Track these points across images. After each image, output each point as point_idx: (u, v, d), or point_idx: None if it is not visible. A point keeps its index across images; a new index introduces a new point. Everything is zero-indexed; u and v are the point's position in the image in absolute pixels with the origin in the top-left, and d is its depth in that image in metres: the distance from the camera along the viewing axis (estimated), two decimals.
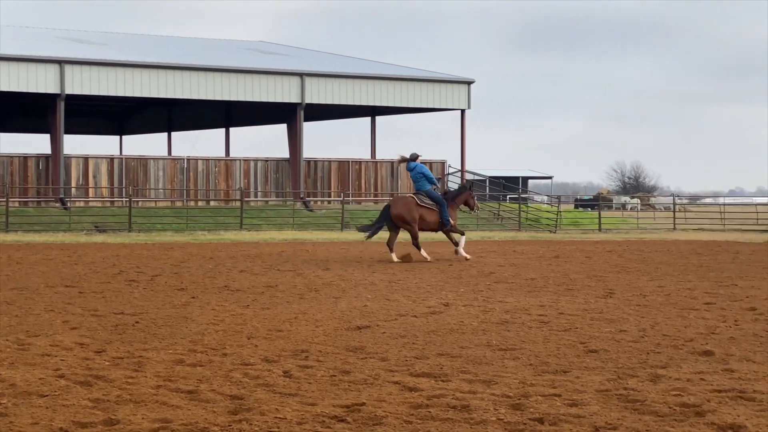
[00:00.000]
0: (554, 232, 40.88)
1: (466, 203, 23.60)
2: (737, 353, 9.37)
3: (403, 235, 23.41)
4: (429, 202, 22.69)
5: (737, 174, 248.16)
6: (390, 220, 22.53)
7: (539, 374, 8.40)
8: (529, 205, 51.44)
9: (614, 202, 77.97)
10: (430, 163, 47.11)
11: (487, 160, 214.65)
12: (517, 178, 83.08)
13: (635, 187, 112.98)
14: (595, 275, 18.33)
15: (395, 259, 21.81)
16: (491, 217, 45.43)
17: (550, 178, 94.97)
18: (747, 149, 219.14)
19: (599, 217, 44.30)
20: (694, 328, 11.13)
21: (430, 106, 47.17)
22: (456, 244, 22.93)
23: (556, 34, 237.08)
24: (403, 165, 33.21)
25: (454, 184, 47.95)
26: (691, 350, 9.56)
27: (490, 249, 27.42)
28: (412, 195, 23.14)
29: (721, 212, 49.07)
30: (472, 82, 47.33)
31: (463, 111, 47.14)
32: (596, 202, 60.69)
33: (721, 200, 65.71)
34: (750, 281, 17.10)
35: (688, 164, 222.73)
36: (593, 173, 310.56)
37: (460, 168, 47.30)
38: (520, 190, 57.16)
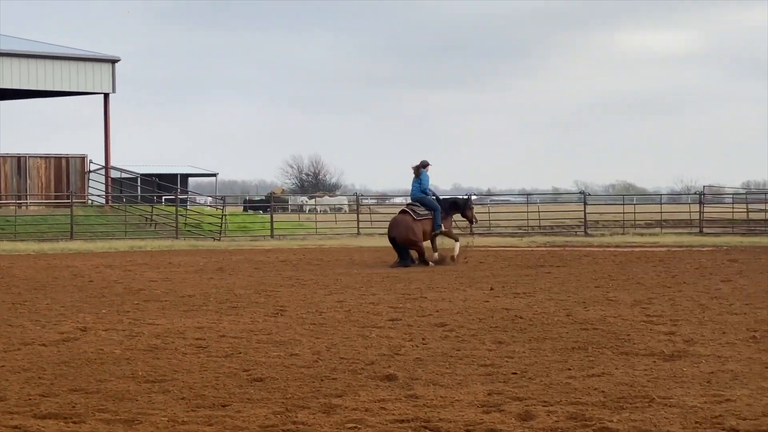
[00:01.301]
0: (219, 240, 41.01)
1: (464, 215, 27.35)
2: (423, 376, 9.72)
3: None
4: (424, 213, 25.67)
5: (433, 169, 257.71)
6: (400, 247, 25.52)
7: (193, 409, 8.39)
8: (189, 207, 51.33)
9: (290, 203, 79.26)
10: (67, 157, 46.14)
11: (139, 154, 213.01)
12: (175, 175, 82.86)
13: (314, 185, 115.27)
14: (265, 290, 18.53)
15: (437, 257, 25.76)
16: (143, 222, 45.02)
17: (214, 175, 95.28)
18: (445, 140, 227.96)
19: (271, 222, 44.87)
20: (376, 348, 11.45)
21: (66, 89, 46.15)
22: (436, 250, 26.04)
23: (221, 1, 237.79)
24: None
25: (98, 182, 47.16)
26: (372, 375, 9.83)
27: (140, 261, 27.18)
28: (405, 210, 26.09)
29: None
30: (118, 61, 46.71)
31: (106, 95, 46.40)
32: (268, 203, 61.40)
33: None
34: (440, 293, 17.80)
35: (377, 158, 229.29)
36: (266, 169, 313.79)
37: (104, 164, 46.56)
38: (179, 190, 56.99)
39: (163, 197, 55.45)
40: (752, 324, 13.32)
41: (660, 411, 8.15)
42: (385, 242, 38.00)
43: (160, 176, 66.12)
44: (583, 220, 45.99)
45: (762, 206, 50.06)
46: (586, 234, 43.53)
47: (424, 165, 26.47)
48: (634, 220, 47.83)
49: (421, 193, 26.22)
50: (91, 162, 46.96)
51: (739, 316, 14.21)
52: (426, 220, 25.83)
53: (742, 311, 14.72)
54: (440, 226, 26.01)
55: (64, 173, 46.04)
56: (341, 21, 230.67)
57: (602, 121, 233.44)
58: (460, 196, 29.77)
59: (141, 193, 55.42)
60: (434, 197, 26.51)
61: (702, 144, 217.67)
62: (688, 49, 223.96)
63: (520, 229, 46.50)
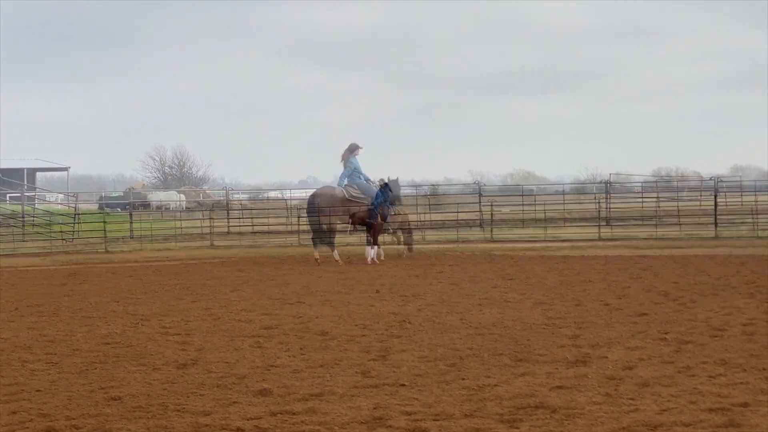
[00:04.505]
0: (71, 242, 40.55)
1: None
2: (301, 391, 9.71)
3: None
4: (359, 196, 26.25)
5: (307, 161, 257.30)
6: (312, 216, 26.05)
7: None
8: (37, 206, 50.67)
9: (151, 199, 78.64)
10: None
11: None
12: (20, 170, 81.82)
13: (179, 179, 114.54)
14: (124, 297, 18.40)
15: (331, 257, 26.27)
16: None
17: (66, 169, 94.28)
18: (321, 126, 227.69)
19: (131, 221, 44.47)
20: (248, 360, 11.41)
21: None
22: (377, 244, 26.76)
23: None
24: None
25: None
26: (244, 389, 9.79)
27: None
28: (341, 187, 26.49)
29: (288, 209, 50.73)
30: None
31: None
32: (128, 200, 60.90)
33: (288, 193, 67.92)
34: (321, 297, 17.81)
35: (249, 148, 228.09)
36: (125, 162, 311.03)
37: None
38: (25, 187, 56.26)
39: (8, 195, 54.72)
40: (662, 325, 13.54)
41: (562, 422, 8.23)
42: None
43: (2, 171, 65.18)
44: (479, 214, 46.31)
45: (673, 194, 50.84)
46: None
47: (351, 150, 26.58)
48: (534, 212, 48.24)
49: (360, 177, 26.48)
50: None
51: (648, 316, 14.43)
52: (355, 204, 26.31)
53: (652, 311, 14.96)
54: (377, 216, 26.31)
55: None
56: None
57: (499, 101, 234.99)
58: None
59: None
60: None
61: (610, 128, 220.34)
62: (594, 19, 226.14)
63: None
